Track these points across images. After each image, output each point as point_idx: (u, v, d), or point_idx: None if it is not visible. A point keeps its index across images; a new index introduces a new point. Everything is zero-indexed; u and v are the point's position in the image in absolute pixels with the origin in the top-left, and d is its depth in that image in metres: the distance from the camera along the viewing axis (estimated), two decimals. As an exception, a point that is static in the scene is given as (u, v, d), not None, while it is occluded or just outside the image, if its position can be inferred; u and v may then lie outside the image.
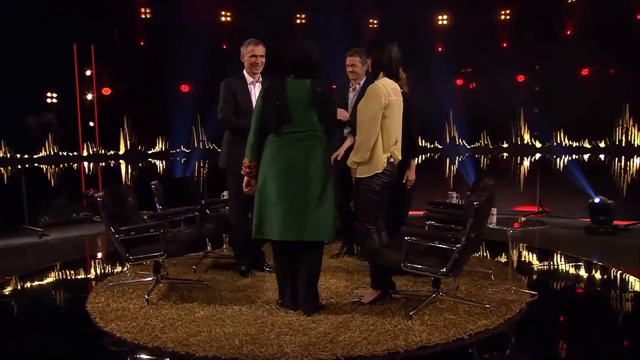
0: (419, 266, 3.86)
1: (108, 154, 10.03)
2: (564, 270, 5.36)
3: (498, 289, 4.42)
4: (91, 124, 10.34)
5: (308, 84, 3.86)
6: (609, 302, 4.53)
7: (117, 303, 4.31)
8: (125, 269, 5.36)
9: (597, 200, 6.88)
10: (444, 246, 3.76)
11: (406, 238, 3.84)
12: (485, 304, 4.01)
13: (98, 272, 5.68)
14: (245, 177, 4.06)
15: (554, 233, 6.59)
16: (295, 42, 4.01)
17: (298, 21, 11.42)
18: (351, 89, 5.34)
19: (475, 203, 3.68)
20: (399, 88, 4.07)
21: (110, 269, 5.65)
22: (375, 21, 11.75)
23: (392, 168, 4.01)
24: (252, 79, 4.86)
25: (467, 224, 3.73)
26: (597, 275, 5.17)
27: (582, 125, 8.62)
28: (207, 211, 5.59)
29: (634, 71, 8.28)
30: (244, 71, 4.89)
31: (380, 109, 3.89)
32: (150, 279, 4.64)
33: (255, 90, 4.84)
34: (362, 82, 5.28)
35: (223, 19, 11.00)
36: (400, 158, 4.08)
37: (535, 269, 5.37)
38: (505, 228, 4.32)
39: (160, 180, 5.24)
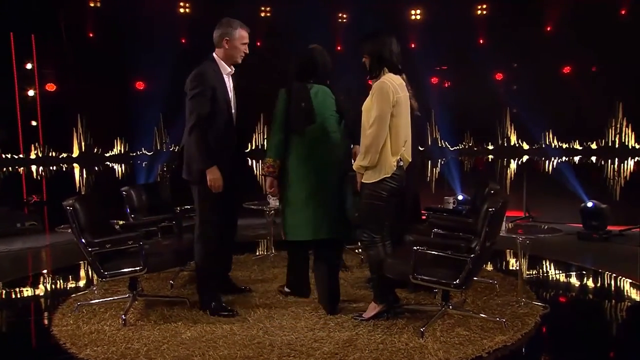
0: (430, 278, 3.77)
1: (60, 156, 9.58)
2: (569, 280, 5.37)
3: (508, 300, 4.39)
4: (34, 123, 9.91)
5: (329, 90, 4.26)
6: (626, 313, 4.56)
7: (89, 325, 4.07)
8: (93, 285, 5.05)
9: (589, 204, 6.96)
10: (457, 256, 3.68)
11: (415, 248, 3.75)
12: (498, 317, 3.96)
13: (57, 290, 5.37)
14: (269, 178, 4.27)
15: (545, 239, 6.63)
16: (307, 48, 4.32)
17: (263, 14, 11.29)
18: None
19: (490, 210, 3.62)
20: (404, 84, 3.98)
21: (69, 285, 5.39)
22: (344, 15, 11.75)
23: (401, 172, 3.91)
24: (230, 70, 4.27)
25: (481, 232, 3.67)
26: (604, 285, 5.23)
27: (568, 125, 8.75)
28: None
29: (618, 69, 8.48)
30: (218, 58, 4.23)
31: (389, 108, 3.80)
32: (124, 296, 4.41)
33: (229, 84, 4.26)
34: None
35: (182, 10, 10.77)
36: (410, 160, 3.99)
37: (539, 278, 5.36)
38: (514, 236, 4.28)
39: (131, 186, 5.00)
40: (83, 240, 4.04)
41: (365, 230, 3.98)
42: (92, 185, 9.40)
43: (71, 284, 5.42)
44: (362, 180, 3.91)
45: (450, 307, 4.01)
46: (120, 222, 4.66)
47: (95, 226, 4.25)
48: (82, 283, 5.41)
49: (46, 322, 4.25)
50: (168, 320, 4.11)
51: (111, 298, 4.57)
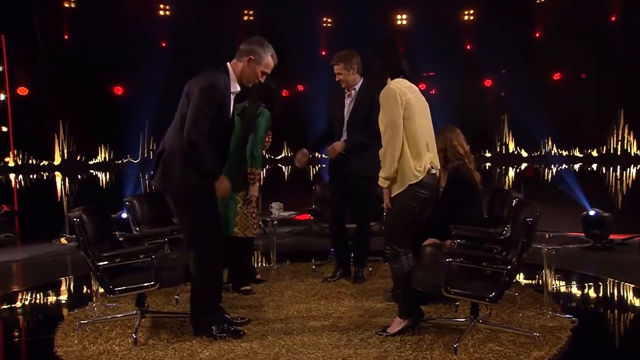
0: (463, 292, 3.68)
1: (41, 164, 9.20)
2: (588, 291, 5.30)
3: (532, 313, 4.32)
4: (4, 129, 9.54)
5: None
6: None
7: (96, 345, 3.85)
8: (92, 302, 4.78)
9: (592, 212, 6.94)
10: (493, 269, 3.60)
11: (448, 260, 3.65)
12: (528, 331, 3.88)
13: (51, 306, 5.13)
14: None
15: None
16: None
17: (245, 18, 11.15)
18: (347, 94, 5.18)
19: (528, 220, 3.54)
20: (415, 86, 3.91)
21: (62, 301, 5.18)
22: (329, 20, 11.70)
23: (432, 180, 3.80)
24: (237, 89, 3.91)
25: (517, 243, 3.59)
26: (626, 296, 5.22)
27: (563, 133, 8.80)
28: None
29: (607, 76, 8.57)
30: (232, 72, 3.85)
31: (400, 112, 3.70)
32: (130, 313, 4.20)
33: (231, 104, 3.91)
34: (357, 87, 5.14)
35: (162, 12, 10.53)
36: (439, 167, 3.89)
37: (557, 290, 5.27)
38: (539, 246, 4.21)
39: (134, 196, 4.79)
40: (91, 254, 3.81)
41: (389, 243, 3.88)
42: (74, 194, 9.03)
43: (65, 300, 5.21)
44: (391, 195, 3.79)
45: (480, 321, 3.91)
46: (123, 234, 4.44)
47: (100, 239, 4.05)
48: (76, 299, 5.15)
49: (48, 342, 3.98)
50: (181, 338, 3.92)
51: (116, 315, 4.34)
